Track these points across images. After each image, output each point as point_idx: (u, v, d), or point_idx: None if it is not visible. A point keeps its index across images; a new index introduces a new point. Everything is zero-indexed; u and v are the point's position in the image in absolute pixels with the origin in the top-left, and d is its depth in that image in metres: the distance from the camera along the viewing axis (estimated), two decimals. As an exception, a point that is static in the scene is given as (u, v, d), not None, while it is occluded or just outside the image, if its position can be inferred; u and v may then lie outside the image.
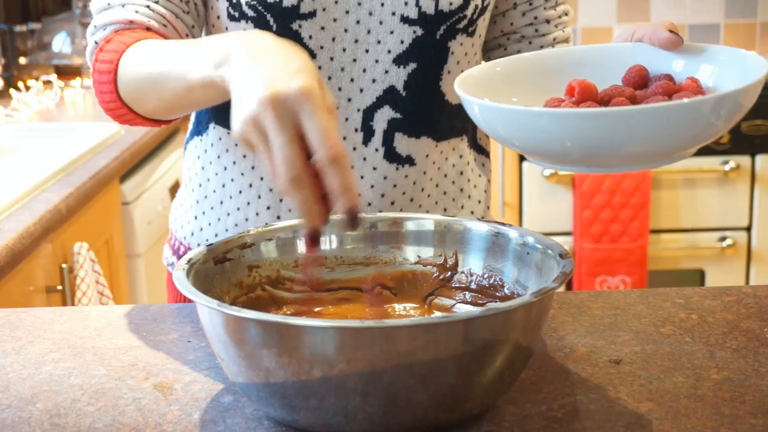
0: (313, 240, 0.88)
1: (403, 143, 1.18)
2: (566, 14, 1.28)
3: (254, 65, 0.85)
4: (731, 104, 0.86)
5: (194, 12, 1.16)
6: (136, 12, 1.11)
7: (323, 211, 0.84)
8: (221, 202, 1.23)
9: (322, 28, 1.13)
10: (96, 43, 1.13)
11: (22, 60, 3.23)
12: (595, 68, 1.04)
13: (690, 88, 0.93)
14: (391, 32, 1.14)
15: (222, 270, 0.95)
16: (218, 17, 1.17)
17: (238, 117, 0.83)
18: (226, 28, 1.16)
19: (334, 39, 1.14)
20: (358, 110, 1.16)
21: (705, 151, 2.91)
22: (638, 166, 0.91)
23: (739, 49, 0.97)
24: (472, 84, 0.99)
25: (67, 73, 3.27)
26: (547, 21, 1.26)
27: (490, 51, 1.29)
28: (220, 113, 1.22)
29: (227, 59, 0.89)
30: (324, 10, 1.12)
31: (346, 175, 0.81)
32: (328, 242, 1.02)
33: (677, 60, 1.01)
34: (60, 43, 3.27)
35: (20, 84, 3.06)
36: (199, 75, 0.94)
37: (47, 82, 3.11)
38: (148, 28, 1.11)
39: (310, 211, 0.83)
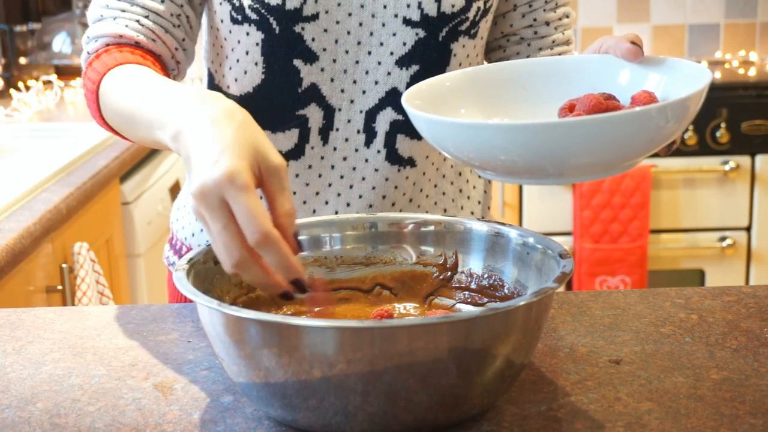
0: (290, 294, 0.84)
1: (404, 145, 1.18)
2: (567, 16, 1.27)
3: (193, 151, 0.84)
4: (672, 112, 0.86)
5: (185, 25, 1.17)
6: (126, 26, 1.13)
7: (277, 282, 0.82)
8: (221, 203, 1.23)
9: (325, 30, 1.13)
10: (89, 53, 1.16)
11: (22, 60, 3.23)
12: (552, 80, 1.03)
13: (643, 99, 0.93)
14: (394, 34, 1.14)
15: (222, 270, 0.95)
16: (221, 21, 1.17)
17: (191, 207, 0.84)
18: (230, 32, 1.16)
19: (336, 41, 1.14)
20: (361, 112, 1.17)
21: (705, 151, 2.93)
22: (587, 177, 0.90)
23: (690, 63, 0.97)
24: (420, 99, 0.97)
25: (67, 73, 3.27)
26: (547, 23, 1.26)
27: (490, 52, 1.29)
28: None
29: (179, 136, 0.87)
30: (327, 12, 1.12)
31: (279, 252, 0.79)
32: (329, 242, 1.02)
33: (638, 71, 1.00)
34: (60, 43, 3.27)
35: (20, 84, 3.06)
36: (160, 138, 0.93)
37: (47, 82, 3.11)
38: (137, 43, 1.13)
39: (265, 286, 0.82)
